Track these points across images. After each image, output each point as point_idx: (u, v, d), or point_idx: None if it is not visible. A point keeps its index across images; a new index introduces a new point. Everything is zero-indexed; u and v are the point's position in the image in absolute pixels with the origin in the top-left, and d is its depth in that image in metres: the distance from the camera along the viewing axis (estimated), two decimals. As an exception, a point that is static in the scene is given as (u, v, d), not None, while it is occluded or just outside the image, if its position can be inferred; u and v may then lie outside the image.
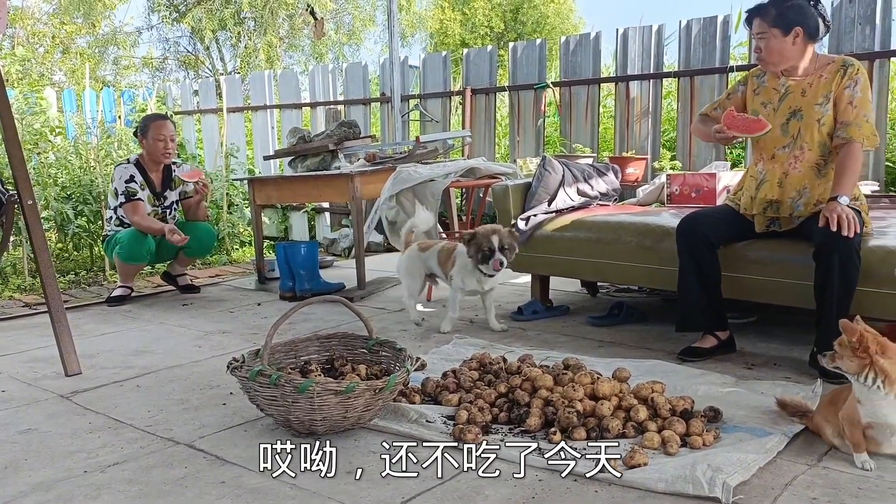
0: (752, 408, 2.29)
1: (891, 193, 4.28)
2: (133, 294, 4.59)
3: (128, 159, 4.51)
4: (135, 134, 4.55)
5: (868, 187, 4.00)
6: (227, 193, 7.07)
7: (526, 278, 4.26)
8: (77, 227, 6.16)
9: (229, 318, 3.98)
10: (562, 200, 3.78)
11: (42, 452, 2.20)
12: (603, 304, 3.85)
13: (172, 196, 4.61)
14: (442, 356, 3.03)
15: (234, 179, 5.83)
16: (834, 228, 2.47)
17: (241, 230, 7.08)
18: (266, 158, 5.76)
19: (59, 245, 6.55)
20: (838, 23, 4.60)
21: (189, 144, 8.59)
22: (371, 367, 2.46)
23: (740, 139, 2.95)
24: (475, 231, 3.35)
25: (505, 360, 2.80)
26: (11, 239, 3.80)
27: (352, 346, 2.56)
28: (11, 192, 3.06)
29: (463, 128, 6.24)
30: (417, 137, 4.49)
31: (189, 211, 4.65)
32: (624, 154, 5.23)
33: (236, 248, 7.10)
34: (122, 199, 4.36)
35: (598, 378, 2.34)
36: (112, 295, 4.47)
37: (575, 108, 5.80)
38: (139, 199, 4.38)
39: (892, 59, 4.59)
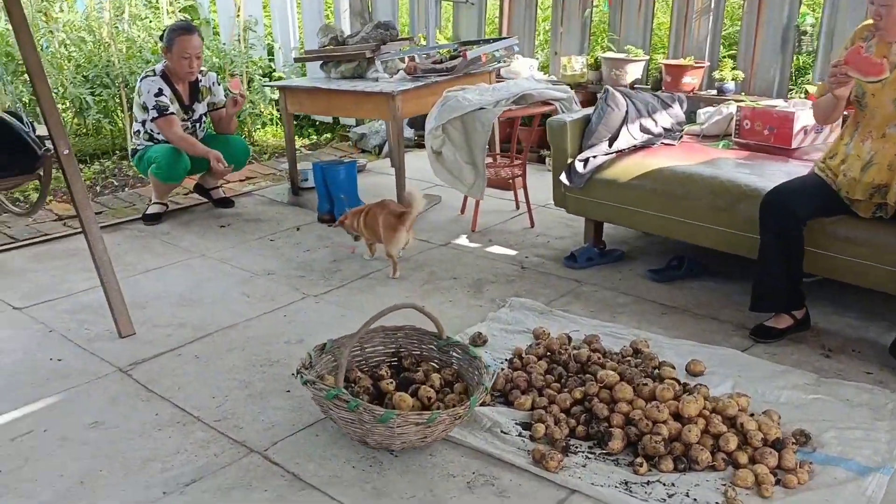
0: (841, 423, 2.23)
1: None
2: (168, 209, 4.44)
3: (153, 70, 4.19)
4: (161, 37, 4.20)
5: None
6: (246, 70, 6.73)
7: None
8: (97, 112, 5.92)
9: (270, 249, 3.86)
10: (624, 140, 3.53)
11: (115, 460, 2.17)
12: (658, 249, 3.70)
13: (200, 108, 4.34)
14: (500, 325, 2.94)
15: (265, 86, 5.42)
16: None
17: (262, 109, 6.80)
18: (297, 61, 5.40)
19: (78, 126, 6.34)
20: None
21: (202, 8, 8.07)
22: (442, 370, 2.37)
23: (852, 80, 2.62)
24: None
25: (570, 340, 2.73)
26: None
27: (419, 340, 2.47)
28: (48, 147, 2.85)
29: (501, 14, 5.79)
30: (464, 52, 4.14)
31: (220, 123, 4.40)
32: (681, 61, 4.85)
33: (258, 129, 6.87)
34: (154, 113, 4.10)
35: (682, 395, 2.25)
36: (148, 212, 4.33)
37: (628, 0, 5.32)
38: (172, 113, 4.12)
39: None
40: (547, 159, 5.29)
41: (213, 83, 4.33)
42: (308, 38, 7.04)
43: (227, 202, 4.59)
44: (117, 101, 6.06)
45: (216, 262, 3.69)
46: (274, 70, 7.44)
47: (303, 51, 7.26)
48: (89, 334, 2.95)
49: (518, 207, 4.38)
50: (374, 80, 4.35)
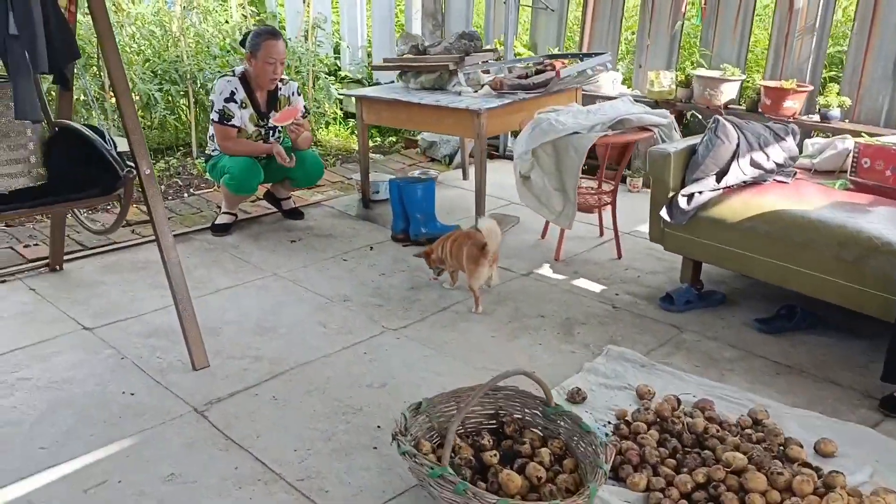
0: None
1: None
2: (237, 218, 4.29)
3: (233, 70, 4.05)
4: (242, 43, 4.05)
5: None
6: (312, 68, 6.60)
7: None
8: (164, 109, 5.84)
9: (344, 270, 3.68)
10: (733, 175, 3.25)
11: (195, 523, 2.01)
12: (762, 293, 3.42)
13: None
14: (599, 378, 2.71)
15: (342, 94, 4.98)
16: None
17: (327, 108, 6.66)
18: (376, 69, 5.19)
19: (143, 118, 6.25)
20: None
21: (269, 1, 7.96)
22: (549, 441, 2.15)
23: None
24: None
25: (679, 403, 2.49)
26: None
27: (521, 403, 2.25)
28: (130, 167, 2.70)
29: (583, 23, 5.52)
30: (557, 71, 3.90)
31: (293, 138, 4.23)
32: (783, 83, 4.52)
33: (321, 128, 6.72)
34: (214, 116, 3.97)
35: (822, 490, 2.00)
36: (217, 223, 4.18)
37: (723, 14, 5.00)
38: (233, 124, 3.97)
39: None
40: (629, 179, 5.01)
41: (293, 93, 4.17)
42: (376, 37, 6.87)
43: (296, 213, 4.43)
44: (183, 94, 5.98)
45: (289, 284, 3.52)
46: (339, 69, 7.30)
47: (370, 48, 7.08)
48: (162, 364, 2.80)
49: (602, 234, 4.13)
50: (457, 94, 4.14)
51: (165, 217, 2.72)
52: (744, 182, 3.29)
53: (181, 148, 6.14)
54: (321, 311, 3.25)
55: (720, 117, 3.33)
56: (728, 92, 4.69)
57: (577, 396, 2.57)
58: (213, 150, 4.15)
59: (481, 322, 3.18)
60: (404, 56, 4.49)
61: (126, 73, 5.80)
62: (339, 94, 4.90)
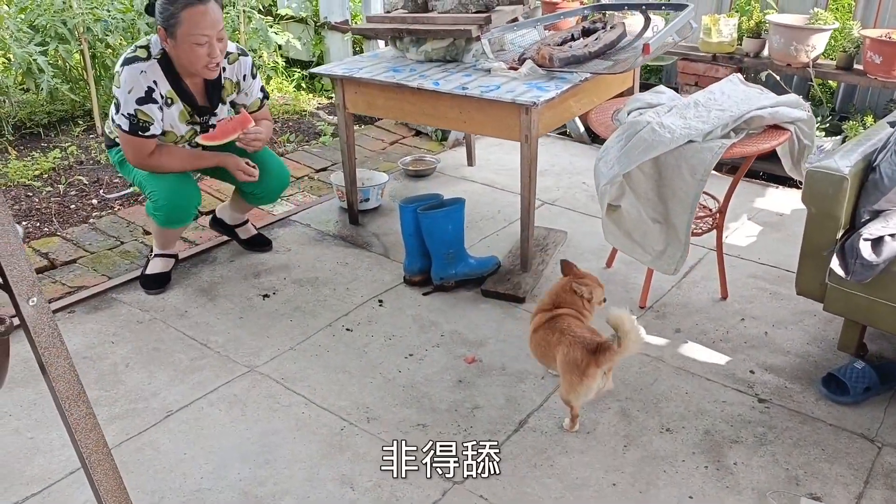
0: None
1: None
2: (178, 260, 3.02)
3: (146, 47, 2.62)
4: (147, 10, 2.63)
5: None
6: (244, 10, 5.22)
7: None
8: (52, 77, 4.39)
9: (353, 353, 2.51)
10: (939, 206, 2.22)
11: None
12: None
13: (222, 113, 2.85)
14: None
15: (313, 73, 3.41)
16: None
17: (265, 59, 5.30)
18: (357, 32, 3.82)
19: (23, 83, 4.76)
20: None
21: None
22: None
23: None
24: None
25: None
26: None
27: None
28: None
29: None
30: (646, 45, 2.69)
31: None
32: (891, 33, 3.45)
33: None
34: (122, 123, 2.60)
35: None
36: (148, 272, 2.90)
37: (795, -63, 3.87)
38: (152, 134, 2.62)
39: None
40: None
41: (247, 73, 2.84)
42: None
43: (261, 242, 3.18)
44: (77, 52, 4.56)
45: (278, 390, 2.34)
46: (275, 4, 5.87)
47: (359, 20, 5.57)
48: None
49: (684, 256, 3.07)
50: (485, 73, 2.90)
51: (75, 379, 1.48)
52: (948, 213, 2.27)
53: (79, 122, 4.72)
54: (338, 450, 2.10)
55: (915, 118, 2.25)
56: (819, 45, 3.60)
57: None
58: (118, 138, 2.77)
59: (585, 451, 2.11)
60: (397, 13, 3.19)
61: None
62: (310, 73, 3.32)
